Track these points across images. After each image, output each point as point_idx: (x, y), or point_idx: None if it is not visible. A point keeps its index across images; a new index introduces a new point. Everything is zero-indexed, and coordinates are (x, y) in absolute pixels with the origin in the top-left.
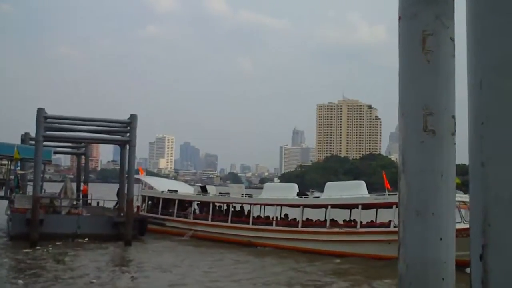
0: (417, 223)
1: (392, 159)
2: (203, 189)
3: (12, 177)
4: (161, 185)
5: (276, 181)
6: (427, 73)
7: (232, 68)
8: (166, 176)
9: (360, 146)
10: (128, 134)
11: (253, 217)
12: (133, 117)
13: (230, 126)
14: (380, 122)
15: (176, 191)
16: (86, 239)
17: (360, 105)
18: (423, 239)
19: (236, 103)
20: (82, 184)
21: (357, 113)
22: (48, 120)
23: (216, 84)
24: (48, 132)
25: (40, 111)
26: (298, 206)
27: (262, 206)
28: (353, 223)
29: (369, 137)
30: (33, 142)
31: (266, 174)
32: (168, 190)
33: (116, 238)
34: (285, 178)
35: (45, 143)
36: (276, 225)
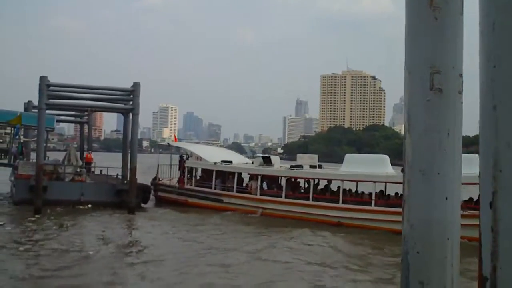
0: (422, 182)
1: (396, 130)
2: (267, 160)
3: (15, 144)
4: (210, 155)
5: (280, 151)
6: (434, 31)
7: (234, 37)
8: None
9: (363, 117)
10: (131, 102)
11: (343, 194)
12: (136, 85)
13: (234, 96)
14: (384, 93)
15: (231, 161)
16: (89, 206)
17: (364, 76)
18: (428, 198)
19: (240, 73)
20: (85, 152)
21: (361, 84)
22: (50, 88)
23: (219, 54)
24: (50, 100)
25: (42, 79)
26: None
27: (359, 183)
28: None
29: (373, 108)
30: (36, 110)
31: (270, 144)
32: (222, 161)
33: (119, 205)
34: (289, 148)
35: (48, 111)
36: (376, 204)
